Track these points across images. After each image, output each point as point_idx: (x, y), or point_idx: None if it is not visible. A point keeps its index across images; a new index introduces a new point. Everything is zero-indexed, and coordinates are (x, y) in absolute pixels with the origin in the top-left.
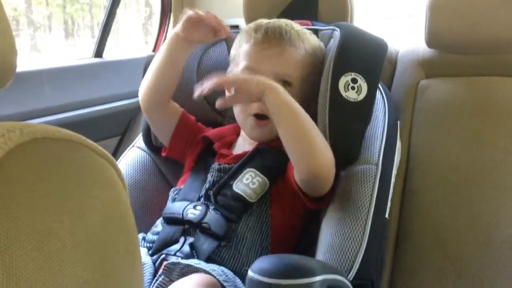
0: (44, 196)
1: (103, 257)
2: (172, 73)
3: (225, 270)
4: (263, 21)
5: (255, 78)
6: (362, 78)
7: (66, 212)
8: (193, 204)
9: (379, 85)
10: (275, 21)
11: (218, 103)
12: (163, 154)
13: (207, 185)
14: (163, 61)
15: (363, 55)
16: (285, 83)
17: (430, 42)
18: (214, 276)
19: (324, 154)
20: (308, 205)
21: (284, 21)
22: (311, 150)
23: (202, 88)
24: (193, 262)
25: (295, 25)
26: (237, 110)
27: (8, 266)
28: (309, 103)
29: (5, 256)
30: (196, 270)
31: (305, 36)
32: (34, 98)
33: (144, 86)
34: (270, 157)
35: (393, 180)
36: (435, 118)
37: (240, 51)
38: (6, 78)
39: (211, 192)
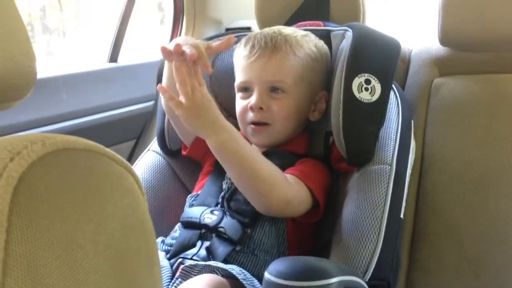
0: (65, 206)
1: (124, 264)
2: None
3: (243, 270)
4: (253, 33)
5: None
6: (375, 79)
7: (87, 221)
8: (211, 209)
9: (393, 84)
10: (263, 31)
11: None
12: (183, 152)
13: (223, 192)
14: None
15: (376, 56)
16: (278, 90)
17: (443, 40)
18: (234, 275)
19: (277, 195)
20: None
21: (273, 29)
22: (257, 193)
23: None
24: (212, 262)
25: (286, 30)
26: (238, 119)
27: (33, 275)
28: (316, 103)
29: (30, 266)
30: (214, 270)
31: (294, 40)
32: (51, 104)
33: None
34: (279, 158)
35: (407, 179)
36: (450, 116)
37: (236, 66)
38: (28, 87)
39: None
